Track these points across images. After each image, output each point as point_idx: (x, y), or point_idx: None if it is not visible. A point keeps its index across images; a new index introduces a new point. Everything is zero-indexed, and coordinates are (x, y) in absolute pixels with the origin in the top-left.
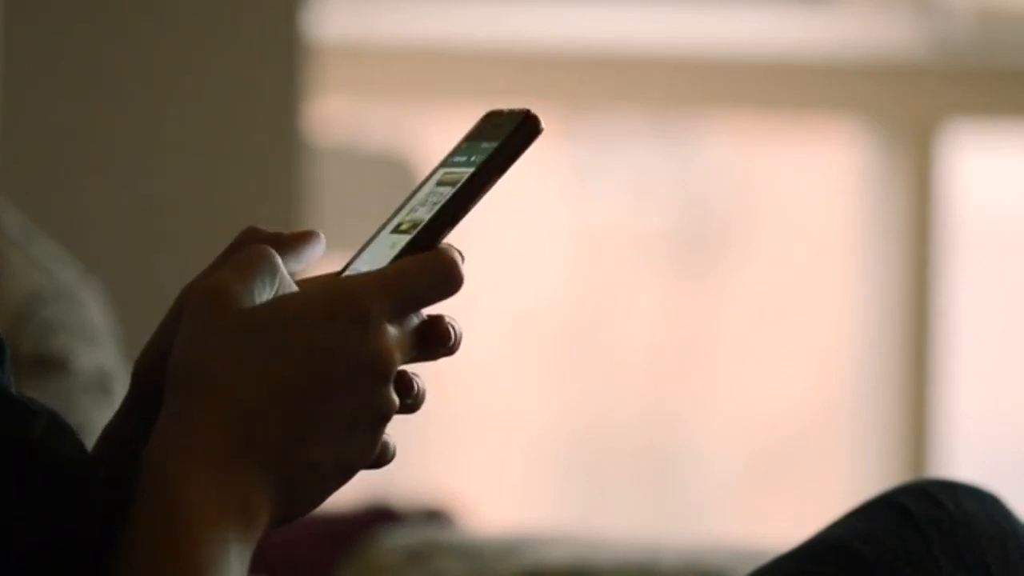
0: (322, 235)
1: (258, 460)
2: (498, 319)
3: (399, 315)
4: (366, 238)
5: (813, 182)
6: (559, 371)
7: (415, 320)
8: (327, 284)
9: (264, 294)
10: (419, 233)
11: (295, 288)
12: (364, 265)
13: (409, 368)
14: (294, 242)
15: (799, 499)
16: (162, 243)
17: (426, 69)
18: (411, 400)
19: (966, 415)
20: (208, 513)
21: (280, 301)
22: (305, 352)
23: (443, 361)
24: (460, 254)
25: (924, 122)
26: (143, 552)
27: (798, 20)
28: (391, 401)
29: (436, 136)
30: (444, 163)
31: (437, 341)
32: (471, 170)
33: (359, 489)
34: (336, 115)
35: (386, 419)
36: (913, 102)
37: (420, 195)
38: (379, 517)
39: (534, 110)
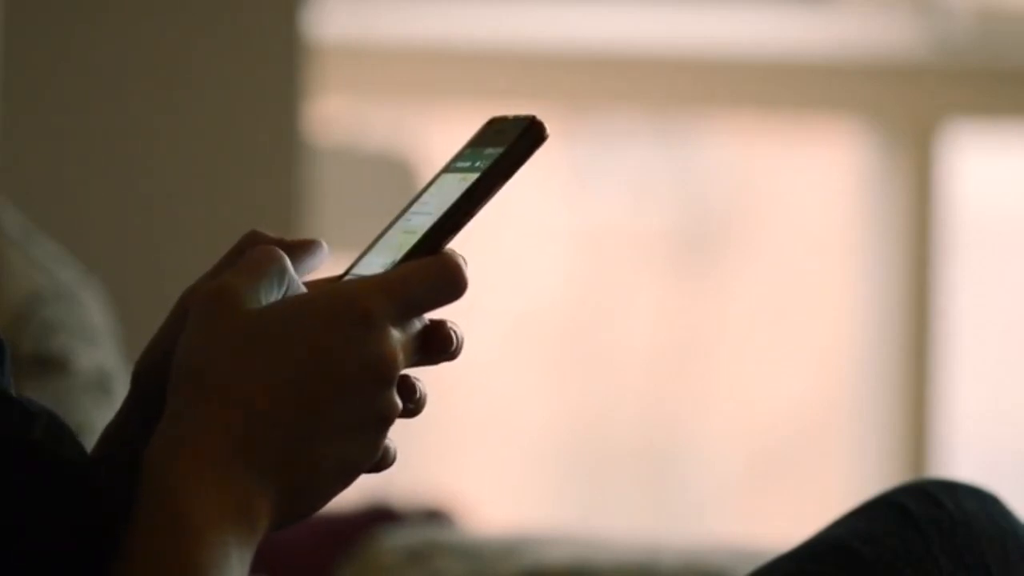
0: (325, 244)
1: (260, 462)
2: (498, 319)
3: (402, 319)
4: (366, 238)
5: (813, 182)
6: (559, 371)
7: (418, 324)
8: (330, 287)
9: (272, 295)
10: (423, 238)
11: (303, 290)
12: (367, 269)
13: (410, 372)
14: (296, 249)
15: (799, 499)
16: (162, 243)
17: (426, 69)
18: (413, 404)
19: (966, 415)
20: (209, 515)
21: (284, 303)
22: (309, 354)
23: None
24: (463, 259)
25: (924, 122)
26: (144, 554)
27: (798, 20)
28: (394, 404)
29: (436, 136)
30: (447, 168)
31: (439, 346)
32: (476, 175)
33: (359, 489)
34: (336, 115)
35: (388, 422)
36: (913, 102)
37: (423, 200)
38: (379, 517)
39: (539, 116)
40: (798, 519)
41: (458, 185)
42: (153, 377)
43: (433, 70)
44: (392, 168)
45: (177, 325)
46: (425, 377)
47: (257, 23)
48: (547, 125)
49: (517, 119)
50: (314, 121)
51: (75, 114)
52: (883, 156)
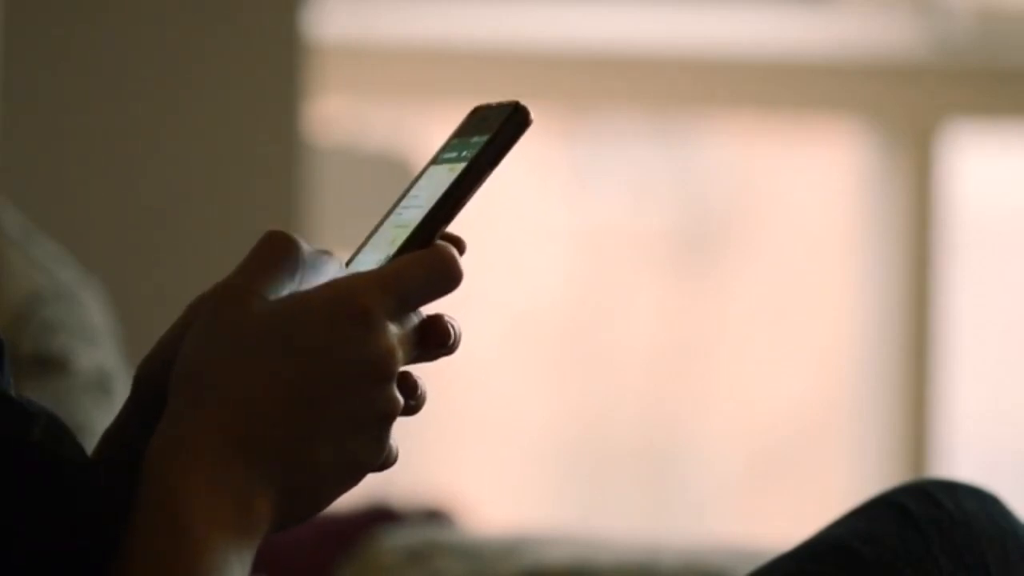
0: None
1: (260, 462)
2: (498, 319)
3: (399, 313)
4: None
5: (813, 182)
6: (559, 371)
7: (415, 319)
8: (327, 285)
9: (284, 288)
10: (415, 231)
11: (319, 280)
12: (362, 267)
13: (409, 368)
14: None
15: (799, 499)
16: (162, 243)
17: (426, 69)
18: (414, 401)
19: (966, 415)
20: (208, 515)
21: (282, 304)
22: (308, 354)
23: (443, 360)
24: (462, 245)
25: (924, 122)
26: (143, 554)
27: (798, 20)
28: (395, 401)
29: (436, 136)
30: (435, 160)
31: (437, 340)
32: (464, 164)
33: (359, 489)
34: (336, 115)
35: (391, 419)
36: (913, 102)
37: (413, 193)
38: (379, 517)
39: (522, 101)
40: (798, 519)
41: (447, 175)
42: (154, 383)
43: (433, 70)
44: (392, 168)
45: (181, 334)
46: (424, 376)
47: (257, 23)
48: (531, 110)
49: (501, 106)
50: (314, 121)
51: (75, 114)
52: (883, 156)
